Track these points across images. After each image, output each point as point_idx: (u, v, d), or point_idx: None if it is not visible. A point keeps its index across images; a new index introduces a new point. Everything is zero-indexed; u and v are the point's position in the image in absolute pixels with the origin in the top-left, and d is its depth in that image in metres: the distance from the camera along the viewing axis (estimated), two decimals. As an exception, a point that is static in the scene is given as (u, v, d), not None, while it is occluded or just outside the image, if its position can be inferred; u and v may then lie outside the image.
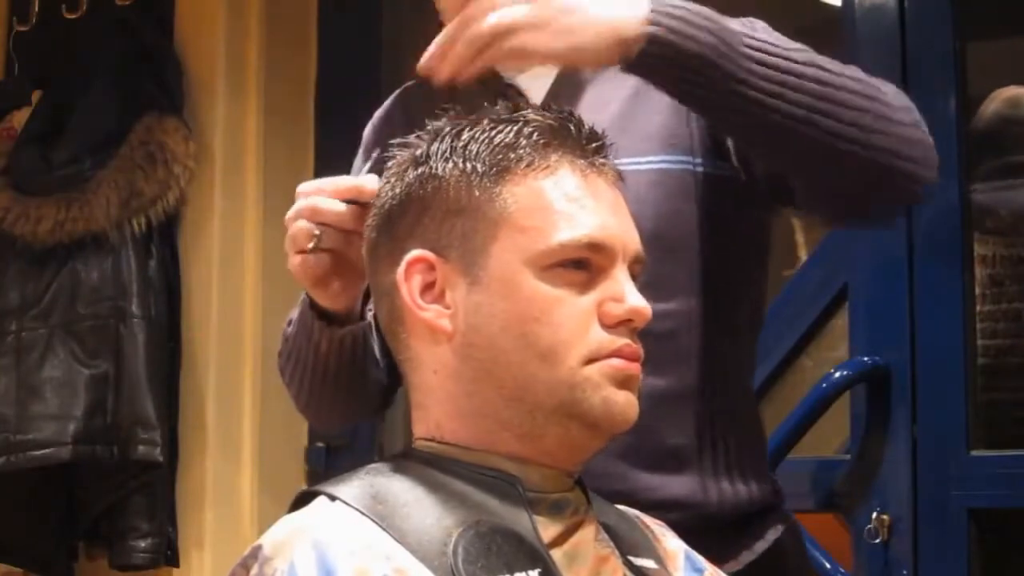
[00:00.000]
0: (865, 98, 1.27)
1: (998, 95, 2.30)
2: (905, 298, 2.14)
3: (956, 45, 2.16)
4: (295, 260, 1.30)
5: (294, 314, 1.45)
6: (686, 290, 1.39)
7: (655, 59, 1.20)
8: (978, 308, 2.18)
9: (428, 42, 1.63)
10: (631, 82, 1.39)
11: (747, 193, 1.41)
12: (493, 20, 1.19)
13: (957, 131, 2.13)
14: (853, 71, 1.30)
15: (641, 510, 1.28)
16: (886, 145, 1.27)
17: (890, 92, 1.31)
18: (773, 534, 1.43)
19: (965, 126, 2.16)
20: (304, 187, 1.29)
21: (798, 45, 1.29)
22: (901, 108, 1.30)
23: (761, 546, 1.41)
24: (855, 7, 2.24)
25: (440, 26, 1.26)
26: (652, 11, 1.20)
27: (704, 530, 1.34)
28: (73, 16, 2.85)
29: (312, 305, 1.37)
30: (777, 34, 1.31)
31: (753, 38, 1.25)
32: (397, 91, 1.61)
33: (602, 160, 1.17)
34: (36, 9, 2.90)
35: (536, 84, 1.45)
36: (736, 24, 1.26)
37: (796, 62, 1.25)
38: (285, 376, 1.50)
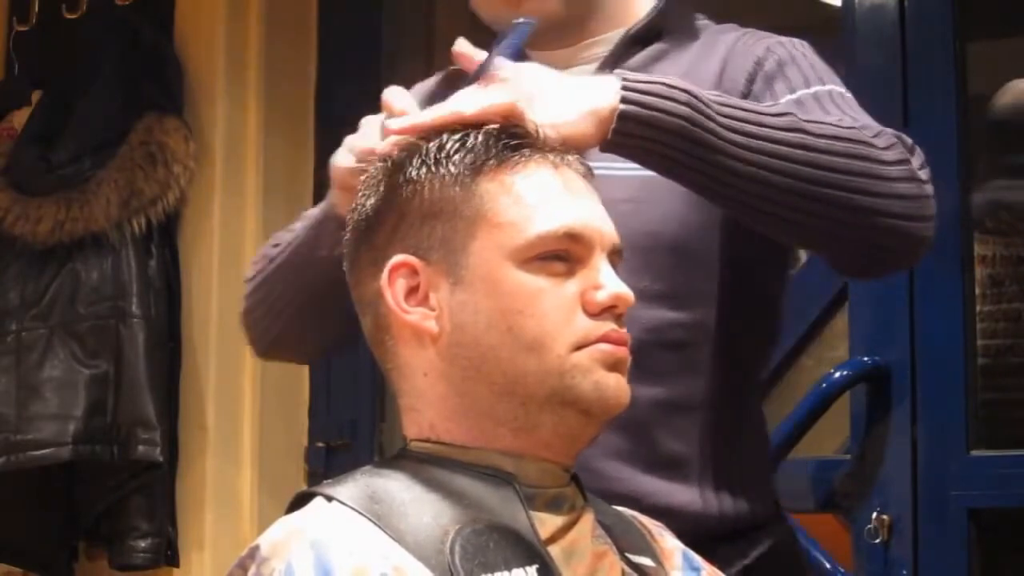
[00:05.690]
0: (853, 159, 1.25)
1: (1013, 86, 2.29)
2: (905, 298, 2.14)
3: (956, 45, 2.16)
4: (349, 159, 1.31)
5: (283, 236, 1.47)
6: (705, 302, 1.38)
7: (628, 137, 1.20)
8: (978, 308, 2.17)
9: (429, 41, 1.63)
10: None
11: None
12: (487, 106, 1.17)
13: (957, 131, 2.13)
14: (842, 128, 1.27)
15: (646, 515, 1.27)
16: (875, 207, 1.25)
17: (882, 143, 1.28)
18: (762, 548, 1.41)
19: (965, 126, 2.15)
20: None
21: (779, 110, 1.28)
22: (895, 163, 1.27)
23: (753, 553, 1.40)
24: (855, 7, 2.24)
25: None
26: (623, 88, 1.20)
27: (704, 541, 1.32)
28: (73, 16, 2.84)
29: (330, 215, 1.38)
30: (754, 102, 1.28)
31: (727, 106, 1.24)
32: (443, 72, 1.59)
33: (571, 156, 1.17)
34: (36, 9, 2.90)
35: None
36: (710, 93, 1.24)
37: (775, 128, 1.24)
38: (262, 292, 1.49)
